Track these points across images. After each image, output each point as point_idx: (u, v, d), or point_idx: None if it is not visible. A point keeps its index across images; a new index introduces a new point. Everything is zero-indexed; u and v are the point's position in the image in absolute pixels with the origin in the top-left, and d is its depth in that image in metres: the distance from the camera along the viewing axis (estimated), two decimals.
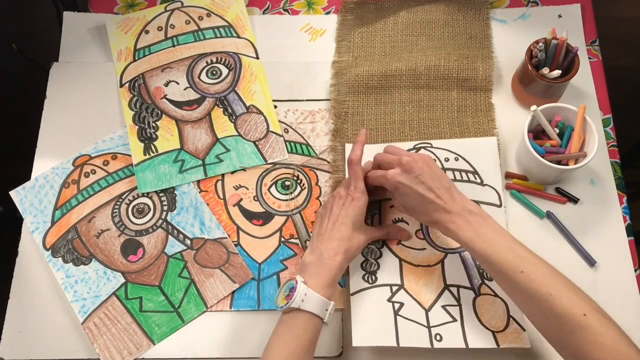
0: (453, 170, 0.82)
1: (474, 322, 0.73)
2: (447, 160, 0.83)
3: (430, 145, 0.85)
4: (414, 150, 0.84)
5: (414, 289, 0.76)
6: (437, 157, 0.83)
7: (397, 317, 0.74)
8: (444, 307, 0.75)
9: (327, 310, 0.68)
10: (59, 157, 0.87)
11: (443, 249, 0.78)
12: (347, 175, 0.83)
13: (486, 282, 0.76)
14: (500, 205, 0.80)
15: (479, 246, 0.66)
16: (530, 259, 0.64)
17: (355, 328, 0.73)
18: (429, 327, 0.73)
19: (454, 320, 0.73)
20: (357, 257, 0.78)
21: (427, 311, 0.75)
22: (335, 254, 0.70)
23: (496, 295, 0.75)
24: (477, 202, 0.80)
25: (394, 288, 0.76)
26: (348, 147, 0.86)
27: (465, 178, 0.82)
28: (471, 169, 0.82)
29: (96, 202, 0.84)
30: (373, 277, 0.77)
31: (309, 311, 0.66)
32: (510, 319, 0.73)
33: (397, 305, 0.75)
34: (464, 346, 0.71)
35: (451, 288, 0.76)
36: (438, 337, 0.72)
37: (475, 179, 0.82)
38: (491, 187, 0.81)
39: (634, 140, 1.31)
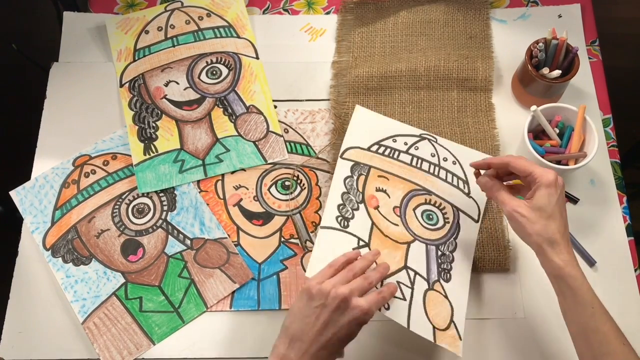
0: (447, 171, 0.83)
1: (420, 311, 0.73)
2: (445, 159, 0.83)
3: (435, 140, 0.85)
4: (419, 139, 0.84)
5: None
6: (437, 153, 0.83)
7: None
8: (398, 282, 0.75)
9: None
10: (59, 157, 0.87)
11: (413, 234, 0.79)
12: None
13: (442, 281, 0.76)
14: (477, 221, 0.81)
15: (592, 297, 0.64)
16: (623, 335, 0.63)
17: (312, 261, 0.73)
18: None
19: (404, 299, 0.74)
20: (336, 197, 0.78)
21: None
22: None
23: (446, 297, 0.76)
24: (457, 210, 0.81)
25: (361, 242, 0.77)
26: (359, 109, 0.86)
27: (454, 183, 0.82)
28: (463, 177, 0.83)
29: (96, 202, 0.84)
30: (345, 223, 0.78)
31: None
32: (452, 323, 0.74)
33: None
34: (405, 325, 0.71)
35: (409, 270, 0.76)
36: (386, 305, 0.72)
37: (464, 188, 0.82)
38: (475, 200, 0.82)
39: (634, 140, 1.31)
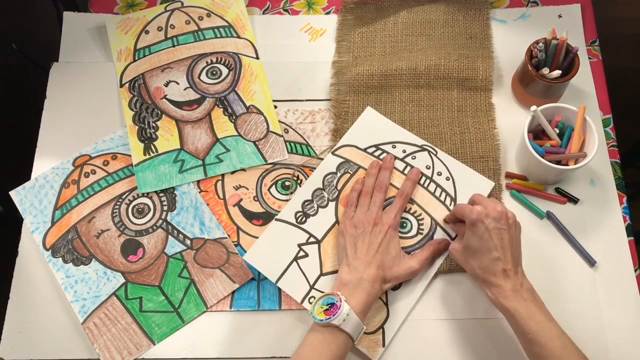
0: (438, 185, 0.82)
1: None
2: (439, 174, 0.83)
3: (435, 153, 0.85)
4: (419, 149, 0.85)
5: (326, 250, 0.79)
6: (433, 166, 0.83)
7: (294, 262, 0.78)
8: None
9: (359, 333, 0.69)
10: (59, 157, 0.87)
11: None
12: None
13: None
14: (454, 239, 0.80)
15: (527, 323, 0.65)
16: (577, 353, 0.64)
17: (255, 246, 0.78)
18: (311, 286, 0.76)
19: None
20: (307, 192, 0.82)
21: (320, 274, 0.77)
22: (375, 280, 0.72)
23: (385, 304, 0.76)
24: (436, 224, 0.80)
25: (311, 239, 0.79)
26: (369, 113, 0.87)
27: (442, 198, 0.82)
28: (452, 195, 0.82)
29: (96, 202, 0.84)
30: (303, 219, 0.80)
31: (346, 331, 0.67)
32: (382, 330, 0.75)
33: (301, 253, 0.78)
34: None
35: None
36: (312, 300, 0.75)
37: (450, 204, 0.82)
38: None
39: (634, 140, 1.31)
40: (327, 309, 0.68)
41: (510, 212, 0.70)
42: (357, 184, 0.82)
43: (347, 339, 0.68)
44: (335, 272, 0.77)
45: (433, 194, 0.82)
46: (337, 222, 0.80)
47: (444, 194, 0.82)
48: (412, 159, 0.84)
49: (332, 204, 0.82)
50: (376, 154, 0.84)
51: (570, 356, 0.63)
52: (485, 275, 0.69)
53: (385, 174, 0.81)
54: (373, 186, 0.80)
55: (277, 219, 0.80)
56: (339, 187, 0.83)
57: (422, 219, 0.80)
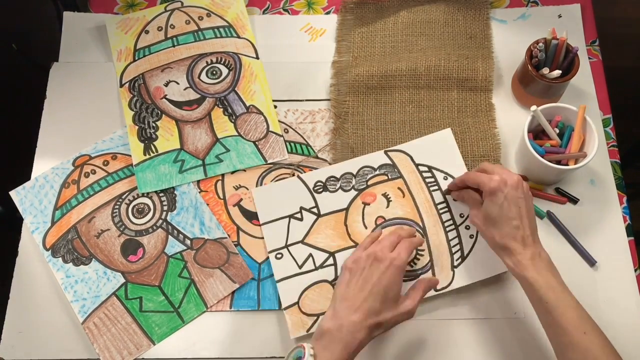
0: (458, 235, 0.80)
1: None
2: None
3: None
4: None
5: (320, 226, 0.80)
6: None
7: (288, 218, 0.81)
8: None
9: None
10: (59, 157, 0.87)
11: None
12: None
13: None
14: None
15: (545, 293, 0.65)
16: (591, 322, 0.64)
17: (267, 186, 0.83)
18: (285, 245, 0.79)
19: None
20: (338, 171, 0.83)
21: (301, 242, 0.80)
22: (358, 329, 0.64)
23: None
24: (431, 263, 0.79)
25: (314, 209, 0.81)
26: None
27: (452, 244, 0.80)
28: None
29: (96, 202, 0.84)
30: (320, 190, 0.82)
31: None
32: None
33: (298, 215, 0.81)
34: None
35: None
36: (279, 255, 0.78)
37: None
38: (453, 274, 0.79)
39: (634, 140, 1.31)
40: None
41: (524, 182, 0.70)
42: (376, 232, 0.77)
43: None
44: (315, 247, 0.79)
45: (449, 240, 0.80)
46: (346, 209, 0.81)
47: (457, 243, 0.80)
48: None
49: (353, 193, 0.82)
50: (425, 174, 0.83)
51: (585, 325, 0.63)
52: (505, 241, 0.68)
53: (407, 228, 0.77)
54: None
55: (299, 177, 0.83)
56: (369, 183, 0.82)
57: (423, 255, 0.79)
